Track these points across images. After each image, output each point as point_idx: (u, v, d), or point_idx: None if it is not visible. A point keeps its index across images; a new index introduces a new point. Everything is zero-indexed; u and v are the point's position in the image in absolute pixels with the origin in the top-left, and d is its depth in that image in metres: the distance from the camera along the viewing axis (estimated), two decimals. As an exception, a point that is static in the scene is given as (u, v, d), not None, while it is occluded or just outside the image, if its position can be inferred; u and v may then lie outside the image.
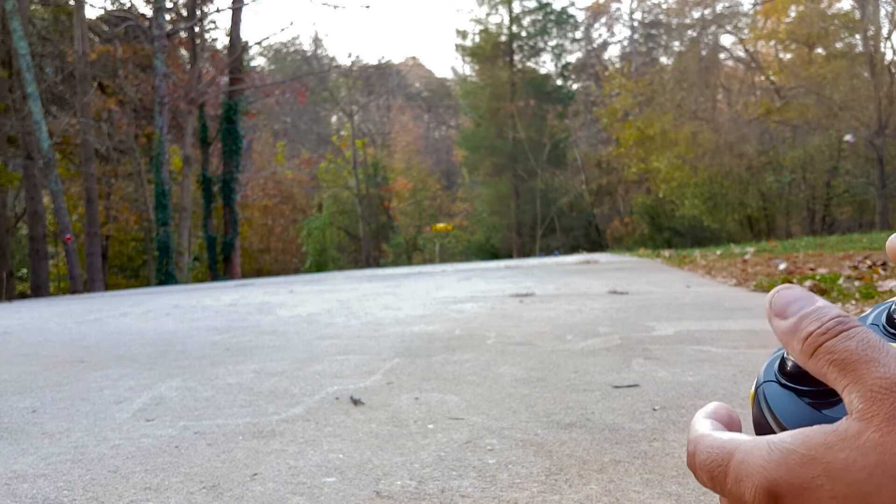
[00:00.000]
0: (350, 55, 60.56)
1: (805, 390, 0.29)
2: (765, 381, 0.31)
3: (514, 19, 34.01)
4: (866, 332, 0.27)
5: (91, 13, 25.98)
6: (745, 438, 0.29)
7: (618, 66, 34.77)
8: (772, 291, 0.30)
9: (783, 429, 0.28)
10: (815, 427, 0.26)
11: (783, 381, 0.30)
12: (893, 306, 0.31)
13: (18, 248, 24.87)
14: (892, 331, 0.30)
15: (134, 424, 2.06)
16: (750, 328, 3.27)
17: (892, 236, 0.33)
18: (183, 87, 20.44)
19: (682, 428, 1.79)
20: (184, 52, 23.88)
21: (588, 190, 33.15)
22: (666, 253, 12.41)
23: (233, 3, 21.73)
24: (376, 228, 35.21)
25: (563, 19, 34.46)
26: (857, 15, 23.97)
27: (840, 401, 0.27)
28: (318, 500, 1.40)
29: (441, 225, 33.04)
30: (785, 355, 0.31)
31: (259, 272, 30.00)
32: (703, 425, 0.31)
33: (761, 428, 0.30)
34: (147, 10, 21.90)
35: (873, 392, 0.25)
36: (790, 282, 4.72)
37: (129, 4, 24.36)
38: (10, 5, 15.96)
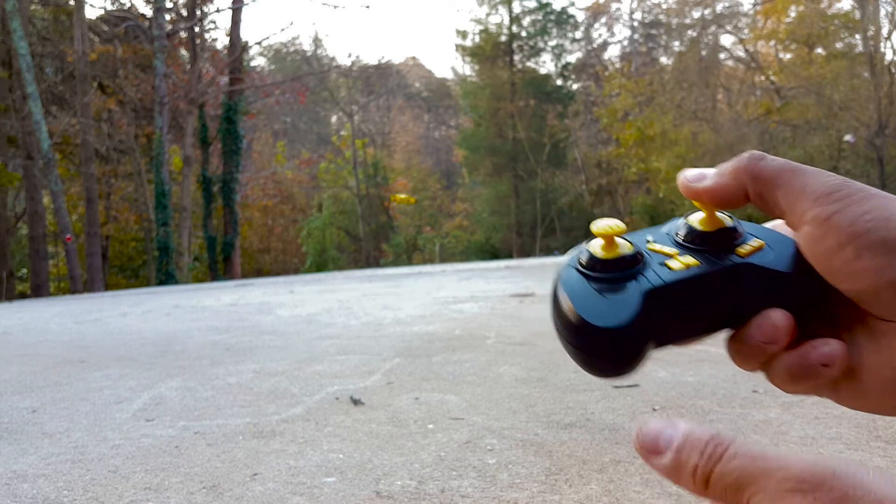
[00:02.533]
0: (350, 55, 60.50)
1: (594, 276, 0.33)
2: (565, 266, 0.35)
3: (514, 19, 34.00)
4: (744, 445, 0.28)
5: (91, 13, 26.00)
6: None
7: (618, 66, 34.77)
8: (635, 431, 0.30)
9: (570, 304, 0.33)
10: None
11: (579, 269, 0.34)
12: (681, 223, 0.36)
13: (18, 248, 24.86)
14: (682, 242, 0.35)
15: (134, 424, 2.06)
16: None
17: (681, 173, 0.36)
18: (183, 87, 20.43)
19: (682, 428, 1.79)
20: (184, 52, 23.88)
21: (588, 190, 33.13)
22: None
23: (233, 3, 21.73)
24: (376, 228, 35.21)
25: (563, 19, 34.44)
26: (857, 15, 23.96)
27: (623, 291, 0.32)
28: (318, 500, 1.40)
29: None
30: (584, 247, 0.35)
31: (259, 272, 29.99)
32: None
33: (556, 314, 0.34)
34: (147, 10, 21.90)
35: (780, 497, 0.26)
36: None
37: (129, 4, 24.36)
38: (10, 5, 15.96)
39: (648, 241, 0.36)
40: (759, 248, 0.34)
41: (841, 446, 1.60)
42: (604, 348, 0.32)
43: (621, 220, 0.33)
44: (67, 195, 21.09)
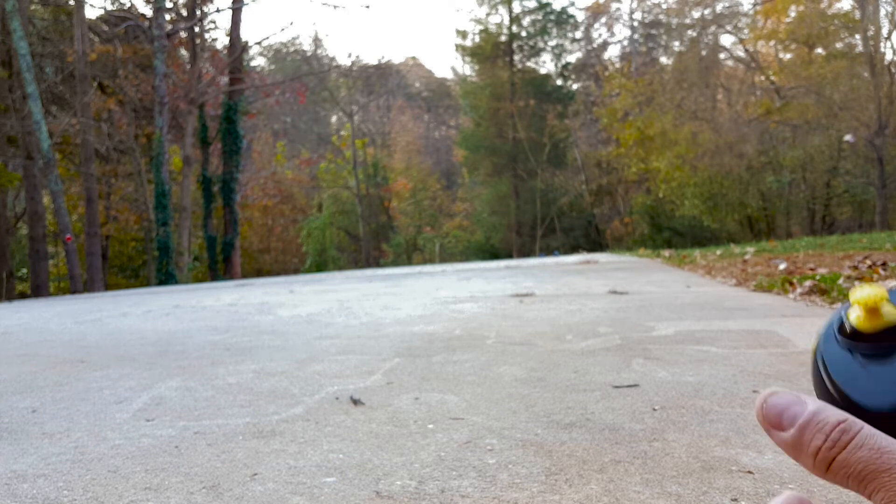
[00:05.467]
0: (350, 55, 60.52)
1: (860, 349, 0.30)
2: (824, 341, 0.32)
3: (514, 19, 34.02)
4: (872, 436, 0.27)
5: (91, 13, 25.99)
6: None
7: (618, 66, 34.77)
8: (759, 400, 0.29)
9: (837, 387, 0.30)
10: None
11: (839, 338, 0.31)
12: (843, 313, 0.32)
13: (18, 248, 24.86)
14: (840, 337, 0.32)
15: (134, 424, 2.06)
16: (750, 328, 3.27)
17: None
18: (183, 87, 20.44)
19: (681, 428, 1.79)
20: (184, 52, 23.89)
21: (588, 190, 33.14)
22: (666, 253, 12.41)
23: (233, 3, 21.73)
24: (376, 228, 35.22)
25: (563, 19, 34.46)
26: (857, 15, 23.96)
27: (889, 359, 0.29)
28: (318, 500, 1.40)
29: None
30: (843, 315, 0.32)
31: (259, 272, 30.00)
32: None
33: (820, 390, 0.31)
34: (147, 10, 21.91)
35: None
36: (790, 282, 4.72)
37: (129, 4, 24.37)
38: (10, 5, 15.96)
39: None
40: None
41: (841, 446, 1.60)
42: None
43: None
44: (67, 195, 21.09)
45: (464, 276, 8.78)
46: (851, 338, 0.31)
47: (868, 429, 0.27)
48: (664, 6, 33.80)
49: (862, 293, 0.31)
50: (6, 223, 20.77)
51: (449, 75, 46.54)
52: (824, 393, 0.31)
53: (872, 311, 0.31)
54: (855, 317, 0.31)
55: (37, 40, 20.79)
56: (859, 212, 26.30)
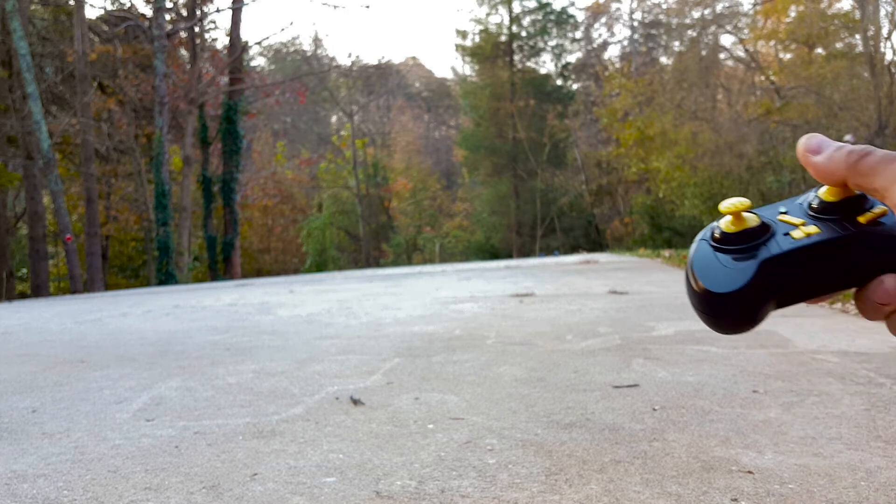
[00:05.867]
0: (350, 55, 60.53)
1: (722, 248, 0.38)
2: (698, 240, 0.40)
3: (514, 19, 34.00)
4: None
5: (91, 13, 25.98)
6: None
7: (618, 66, 34.76)
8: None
9: (694, 274, 0.37)
10: None
11: (710, 242, 0.39)
12: (716, 223, 0.39)
13: (18, 248, 24.85)
14: (811, 212, 0.38)
15: (134, 424, 2.06)
16: (750, 328, 3.27)
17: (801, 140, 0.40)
18: (183, 87, 20.43)
19: (681, 428, 1.79)
20: (184, 52, 23.87)
21: (588, 190, 33.12)
22: (666, 253, 12.41)
23: (233, 3, 21.72)
24: (376, 228, 35.20)
25: (563, 19, 34.44)
26: (857, 15, 23.95)
27: (745, 260, 0.36)
28: (318, 500, 1.40)
29: None
30: (714, 224, 0.39)
31: (259, 272, 29.98)
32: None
33: (687, 287, 0.39)
34: (147, 10, 21.89)
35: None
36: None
37: (129, 4, 24.36)
38: (10, 5, 15.96)
39: (781, 213, 0.40)
40: (882, 214, 0.37)
41: (841, 446, 1.60)
42: (722, 310, 0.37)
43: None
44: (67, 195, 21.08)
45: (464, 276, 8.77)
46: (718, 241, 0.38)
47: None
48: (664, 6, 33.80)
49: (729, 202, 0.38)
50: (6, 223, 20.77)
51: (449, 75, 46.54)
52: (689, 288, 0.38)
53: (737, 216, 0.38)
54: (724, 223, 0.38)
55: (37, 40, 20.78)
56: (859, 212, 26.21)
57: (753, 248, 0.37)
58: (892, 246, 0.36)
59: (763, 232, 0.38)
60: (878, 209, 0.37)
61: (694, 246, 0.39)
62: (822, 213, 0.38)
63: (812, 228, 0.37)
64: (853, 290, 0.37)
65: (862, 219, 0.37)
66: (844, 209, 0.38)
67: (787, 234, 0.37)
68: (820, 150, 0.38)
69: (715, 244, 0.38)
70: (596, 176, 33.07)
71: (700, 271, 0.37)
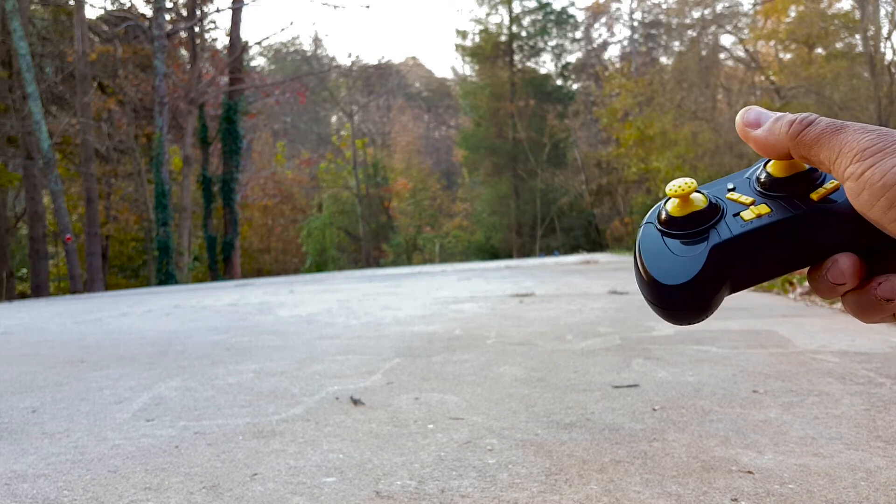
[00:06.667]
0: (350, 55, 60.54)
1: (670, 233, 0.36)
2: (644, 223, 0.38)
3: (514, 19, 33.99)
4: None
5: (91, 13, 25.99)
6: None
7: (618, 66, 34.74)
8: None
9: (643, 263, 0.36)
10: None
11: (657, 226, 0.37)
12: (662, 204, 0.38)
13: (18, 248, 24.84)
14: (760, 189, 0.37)
15: (134, 424, 2.06)
16: (749, 328, 3.27)
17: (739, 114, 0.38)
18: (183, 87, 20.43)
19: (681, 428, 1.79)
20: (184, 52, 23.87)
21: (588, 190, 33.11)
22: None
23: (233, 3, 21.72)
24: (376, 228, 35.19)
25: (563, 19, 34.44)
26: (857, 15, 23.94)
27: (694, 246, 0.35)
28: (318, 500, 1.40)
29: None
30: (661, 206, 0.38)
31: (259, 272, 29.97)
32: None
33: (636, 271, 0.37)
34: (147, 10, 21.90)
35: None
36: (790, 282, 4.72)
37: (129, 4, 24.36)
38: (10, 5, 15.96)
39: (729, 190, 0.38)
40: (833, 189, 0.35)
41: (841, 446, 1.60)
42: (673, 302, 0.35)
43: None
44: (67, 195, 21.08)
45: (464, 276, 8.77)
46: (666, 224, 0.36)
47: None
48: (664, 6, 33.79)
49: (675, 183, 0.36)
50: (6, 223, 20.76)
51: (449, 75, 46.54)
52: (638, 276, 0.37)
53: (684, 198, 0.36)
54: (670, 205, 0.37)
55: (37, 40, 20.77)
56: (859, 212, 26.21)
57: (703, 232, 0.35)
58: (845, 224, 0.34)
59: (712, 214, 0.36)
60: (830, 184, 0.35)
61: (641, 231, 0.38)
62: (771, 189, 0.36)
63: (763, 208, 0.35)
64: (806, 269, 0.36)
65: (815, 195, 0.35)
66: (794, 185, 0.36)
67: (736, 214, 0.35)
68: (759, 122, 0.36)
69: (662, 228, 0.37)
70: (596, 176, 33.06)
71: (649, 259, 0.36)
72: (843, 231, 0.34)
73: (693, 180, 0.36)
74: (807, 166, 0.36)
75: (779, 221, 0.35)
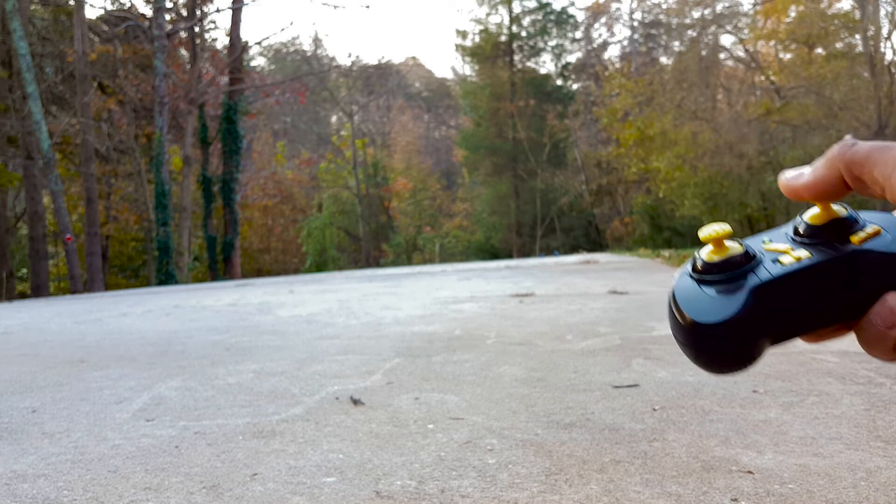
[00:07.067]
0: (350, 55, 60.55)
1: (705, 279, 0.35)
2: (678, 277, 0.37)
3: (514, 19, 33.99)
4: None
5: (91, 13, 25.98)
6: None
7: (618, 66, 34.74)
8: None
9: (679, 308, 0.35)
10: None
11: (692, 275, 0.36)
12: (697, 254, 0.37)
13: (18, 248, 24.85)
14: (797, 238, 0.36)
15: (134, 424, 2.06)
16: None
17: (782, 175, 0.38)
18: (183, 87, 20.43)
19: (681, 428, 1.79)
20: (184, 52, 23.87)
21: (588, 190, 33.11)
22: (666, 253, 12.41)
23: (233, 3, 21.72)
24: (376, 228, 35.20)
25: (563, 19, 34.44)
26: (857, 15, 23.94)
27: (733, 289, 0.34)
28: (318, 500, 1.40)
29: None
30: (695, 257, 0.37)
31: (259, 272, 29.97)
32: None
33: (671, 320, 0.36)
34: (147, 10, 21.89)
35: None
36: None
37: (129, 4, 24.36)
38: (10, 5, 15.96)
39: (765, 242, 0.37)
40: (874, 234, 0.34)
41: (841, 446, 1.60)
42: (712, 343, 0.33)
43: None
44: (67, 195, 21.08)
45: (464, 276, 8.77)
46: (701, 272, 0.36)
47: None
48: (664, 6, 33.78)
49: (708, 228, 0.36)
50: (6, 223, 20.77)
51: (449, 75, 46.53)
52: (674, 324, 0.35)
53: (718, 243, 0.35)
54: (705, 252, 0.36)
55: (37, 40, 20.77)
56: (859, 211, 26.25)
57: (740, 277, 0.34)
58: (890, 266, 0.33)
59: (747, 260, 0.35)
60: (871, 228, 0.35)
61: (675, 282, 0.37)
62: (809, 237, 0.36)
63: (802, 253, 0.35)
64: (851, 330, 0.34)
65: (854, 239, 0.35)
66: (832, 230, 0.35)
67: (775, 260, 0.35)
68: (800, 173, 0.37)
69: (697, 276, 0.36)
70: (596, 176, 33.06)
71: (685, 303, 0.34)
72: (887, 273, 0.33)
73: (727, 225, 0.36)
74: (845, 212, 0.36)
75: (819, 263, 0.34)
